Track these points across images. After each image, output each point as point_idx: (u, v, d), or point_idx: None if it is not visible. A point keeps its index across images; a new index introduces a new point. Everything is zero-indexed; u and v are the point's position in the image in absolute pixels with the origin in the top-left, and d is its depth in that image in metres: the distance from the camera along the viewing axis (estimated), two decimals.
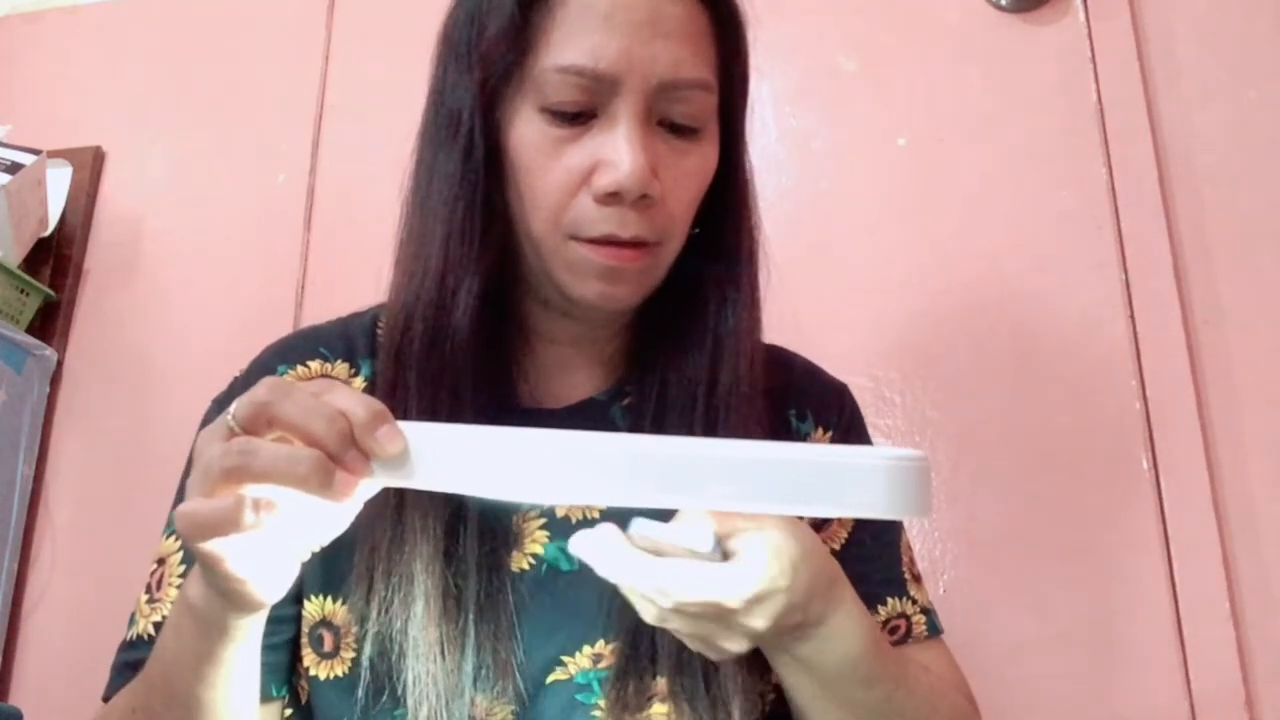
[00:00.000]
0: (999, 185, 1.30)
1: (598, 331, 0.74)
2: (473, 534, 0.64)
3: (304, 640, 0.68)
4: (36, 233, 1.52)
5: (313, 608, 0.67)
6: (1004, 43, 1.34)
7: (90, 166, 1.61)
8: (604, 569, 0.51)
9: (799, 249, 1.32)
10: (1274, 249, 1.20)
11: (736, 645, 0.54)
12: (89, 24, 1.73)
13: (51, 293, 1.53)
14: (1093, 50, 1.30)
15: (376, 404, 0.48)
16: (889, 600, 0.74)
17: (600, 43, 0.62)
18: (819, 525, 0.73)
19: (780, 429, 0.75)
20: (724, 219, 0.71)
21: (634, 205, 0.63)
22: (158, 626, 0.67)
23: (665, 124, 0.65)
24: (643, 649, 0.65)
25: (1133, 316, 1.21)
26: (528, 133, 0.64)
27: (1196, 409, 1.16)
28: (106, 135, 1.65)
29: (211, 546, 0.48)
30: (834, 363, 0.84)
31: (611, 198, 0.62)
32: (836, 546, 0.74)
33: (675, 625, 0.54)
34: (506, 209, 0.67)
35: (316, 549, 0.54)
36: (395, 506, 0.63)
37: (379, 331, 0.73)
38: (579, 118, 0.63)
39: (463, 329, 0.65)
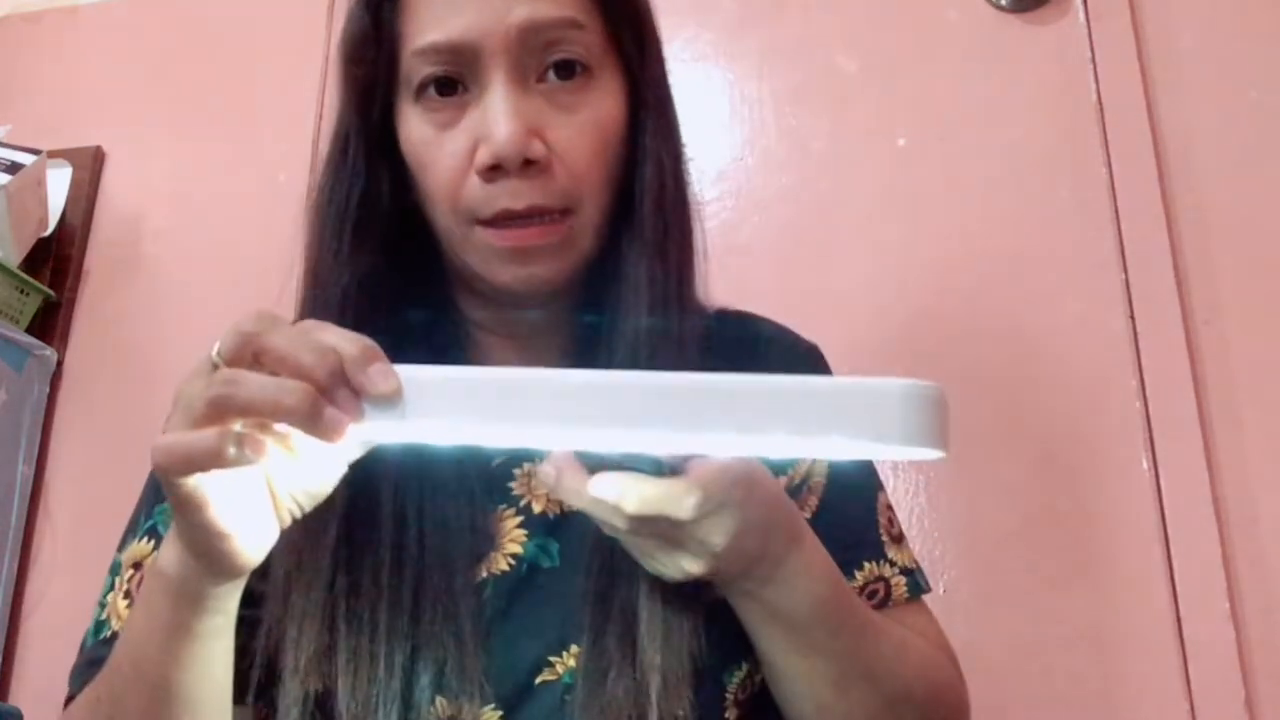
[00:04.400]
0: (999, 185, 1.29)
1: (531, 317, 0.71)
2: (430, 540, 0.62)
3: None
4: (36, 233, 1.52)
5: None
6: (1004, 43, 1.34)
7: (90, 166, 1.61)
8: (562, 490, 0.53)
9: (799, 249, 1.32)
10: (1274, 249, 1.20)
11: (695, 564, 0.54)
12: (89, 24, 1.73)
13: (51, 293, 1.52)
14: (1093, 50, 1.30)
15: (368, 341, 0.46)
16: (865, 564, 0.71)
17: (447, 14, 0.61)
18: (790, 494, 0.70)
19: None
20: (634, 177, 0.66)
21: (521, 173, 0.60)
22: None
23: (546, 79, 0.62)
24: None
25: (1133, 316, 1.21)
26: (412, 129, 0.64)
27: (1196, 409, 1.16)
28: (106, 135, 1.64)
29: (194, 485, 0.46)
30: (833, 362, 0.84)
31: (494, 171, 0.60)
32: (808, 514, 0.71)
33: (637, 543, 0.55)
34: (419, 209, 0.67)
35: (299, 511, 0.52)
36: (342, 517, 0.60)
37: None
38: (451, 98, 0.62)
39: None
